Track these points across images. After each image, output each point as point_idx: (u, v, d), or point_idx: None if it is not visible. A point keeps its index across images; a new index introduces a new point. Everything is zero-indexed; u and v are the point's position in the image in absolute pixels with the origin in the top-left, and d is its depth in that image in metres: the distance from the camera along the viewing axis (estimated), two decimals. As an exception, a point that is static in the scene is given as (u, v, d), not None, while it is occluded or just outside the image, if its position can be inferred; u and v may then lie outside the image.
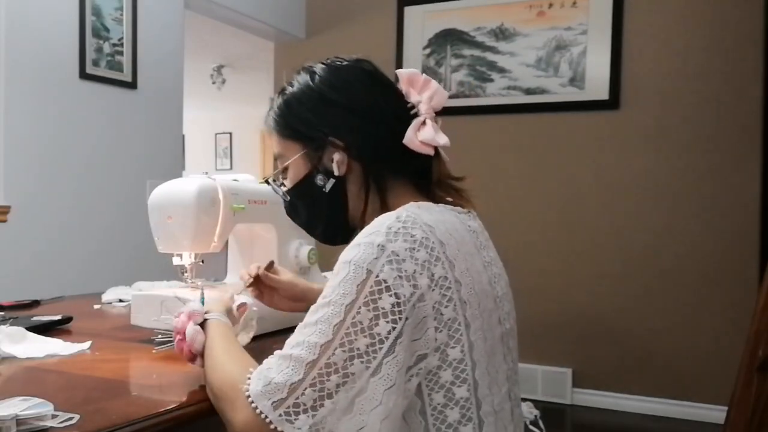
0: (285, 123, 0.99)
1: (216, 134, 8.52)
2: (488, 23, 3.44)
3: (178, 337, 0.95)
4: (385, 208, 0.93)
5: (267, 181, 1.06)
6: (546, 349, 3.32)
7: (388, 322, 0.77)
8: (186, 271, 1.25)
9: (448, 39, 3.52)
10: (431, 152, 0.93)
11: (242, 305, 1.08)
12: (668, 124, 3.14)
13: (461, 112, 3.44)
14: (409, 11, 3.60)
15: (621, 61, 3.20)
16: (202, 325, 0.96)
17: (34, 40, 2.39)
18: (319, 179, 0.95)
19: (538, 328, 3.31)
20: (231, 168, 8.42)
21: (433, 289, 0.80)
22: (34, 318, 1.31)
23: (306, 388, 0.76)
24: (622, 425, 3.09)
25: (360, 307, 0.77)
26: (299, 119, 0.97)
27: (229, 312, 1.03)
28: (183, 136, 3.21)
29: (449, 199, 0.97)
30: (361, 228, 0.90)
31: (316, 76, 0.98)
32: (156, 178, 2.22)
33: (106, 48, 2.64)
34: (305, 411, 0.76)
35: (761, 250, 2.98)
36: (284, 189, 1.02)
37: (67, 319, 1.32)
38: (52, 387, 0.90)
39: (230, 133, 8.46)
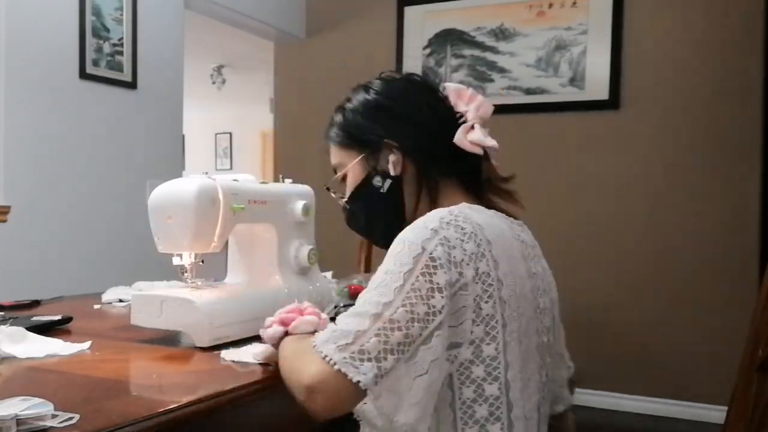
0: (343, 133, 1.04)
1: (216, 134, 8.52)
2: (488, 23, 3.44)
3: (283, 320, 0.96)
4: (435, 206, 0.95)
5: (328, 189, 1.11)
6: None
7: (443, 297, 0.80)
8: (186, 271, 1.25)
9: (448, 39, 3.52)
10: (480, 152, 0.98)
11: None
12: (668, 124, 3.14)
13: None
14: (409, 11, 3.60)
15: (621, 61, 3.20)
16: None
17: (34, 40, 2.39)
18: (377, 180, 1.00)
19: (538, 328, 3.31)
20: (231, 168, 8.42)
21: (476, 282, 0.82)
22: (34, 318, 1.31)
23: (371, 337, 0.77)
24: (622, 425, 3.09)
25: (418, 276, 0.80)
26: (356, 127, 1.03)
27: None
28: (183, 136, 3.21)
29: (501, 206, 1.02)
30: None
31: (371, 90, 1.04)
32: (156, 178, 2.21)
33: (106, 48, 2.64)
34: (370, 360, 0.77)
35: (761, 250, 2.98)
36: (345, 198, 1.07)
37: (67, 319, 1.32)
38: (52, 387, 0.90)
39: (230, 133, 8.46)
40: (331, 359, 0.77)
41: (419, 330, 0.78)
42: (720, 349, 3.01)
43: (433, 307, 0.79)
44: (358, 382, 0.76)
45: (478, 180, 1.01)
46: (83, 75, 2.55)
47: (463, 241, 0.83)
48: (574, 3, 3.27)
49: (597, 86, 3.24)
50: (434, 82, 1.07)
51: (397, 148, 0.98)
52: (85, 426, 0.72)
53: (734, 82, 3.02)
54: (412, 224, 0.87)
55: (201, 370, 1.07)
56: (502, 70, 3.41)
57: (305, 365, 0.80)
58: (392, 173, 0.99)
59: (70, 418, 0.73)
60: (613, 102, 3.21)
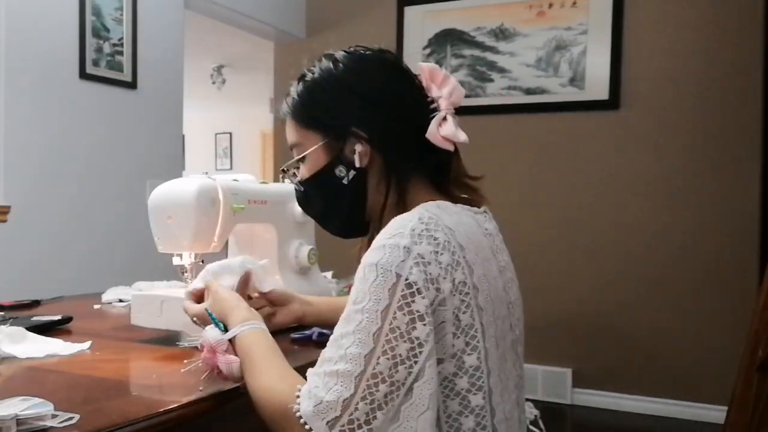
0: (306, 111, 0.96)
1: (216, 134, 8.52)
2: (488, 23, 3.44)
3: (216, 370, 0.91)
4: (402, 202, 0.91)
5: (283, 170, 1.03)
6: (546, 349, 3.32)
7: (425, 324, 0.76)
8: (186, 271, 1.25)
9: (448, 39, 3.52)
10: (451, 148, 0.92)
11: (245, 275, 1.06)
12: (668, 124, 3.14)
13: (461, 112, 3.39)
14: (409, 11, 3.60)
15: (621, 61, 3.20)
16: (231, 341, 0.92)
17: (34, 40, 2.39)
18: (340, 170, 0.93)
19: (538, 328, 3.31)
20: (231, 168, 8.42)
21: (454, 294, 0.80)
22: (34, 318, 1.30)
23: (358, 402, 0.75)
24: (622, 425, 3.08)
25: (395, 312, 0.76)
26: (321, 108, 0.95)
27: (237, 302, 0.98)
28: (183, 136, 3.21)
29: (465, 196, 0.96)
30: (377, 222, 0.89)
31: (340, 64, 0.95)
32: (156, 178, 2.21)
33: (106, 48, 2.64)
34: (360, 427, 0.75)
35: (761, 250, 2.98)
36: (299, 179, 0.99)
37: (67, 319, 1.32)
38: (52, 387, 0.90)
39: (230, 133, 8.46)
40: None
41: (405, 372, 0.76)
42: (720, 349, 3.01)
43: (416, 339, 0.76)
44: None
45: (446, 175, 0.95)
46: (83, 75, 2.55)
47: (437, 253, 0.79)
48: (574, 3, 3.27)
49: (597, 86, 3.24)
50: (406, 64, 0.99)
51: (366, 139, 0.91)
52: (85, 426, 0.72)
53: (734, 82, 3.02)
54: (381, 238, 0.81)
55: (201, 370, 1.07)
56: (502, 70, 3.41)
57: (291, 428, 0.77)
58: (357, 165, 0.91)
59: (70, 418, 0.73)
60: (613, 102, 3.21)
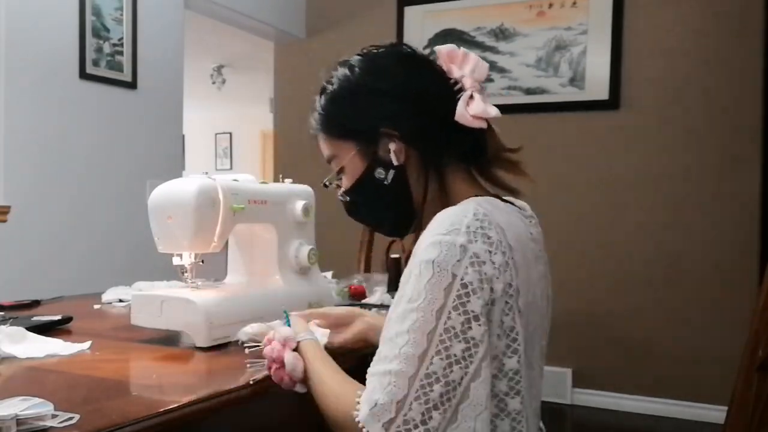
0: (333, 123, 0.97)
1: (216, 134, 8.52)
2: (488, 23, 3.44)
3: (275, 366, 0.92)
4: (443, 191, 0.92)
5: (325, 185, 1.03)
6: (546, 349, 3.32)
7: (480, 324, 0.76)
8: (186, 271, 1.25)
9: (448, 39, 3.52)
10: (484, 125, 0.92)
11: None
12: (668, 125, 3.14)
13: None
14: (409, 11, 3.60)
15: (621, 61, 3.20)
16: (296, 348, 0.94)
17: (34, 40, 2.39)
18: (379, 172, 0.93)
19: (538, 328, 3.31)
20: (231, 168, 8.42)
21: (502, 296, 0.79)
22: (34, 318, 1.30)
23: (412, 403, 0.75)
24: (622, 425, 3.08)
25: (450, 312, 0.76)
26: (347, 116, 0.95)
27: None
28: (183, 136, 3.21)
29: (506, 182, 0.96)
30: (423, 215, 0.89)
31: (356, 69, 0.95)
32: (156, 178, 2.21)
33: (106, 48, 2.64)
34: (416, 427, 0.75)
35: (761, 250, 2.98)
36: (342, 190, 0.99)
37: (67, 319, 1.32)
38: (52, 387, 0.90)
39: (230, 133, 8.47)
40: None
41: (460, 372, 0.75)
42: (720, 349, 3.01)
43: (472, 339, 0.76)
44: None
45: (484, 154, 0.94)
46: (83, 75, 2.55)
47: (491, 253, 0.78)
48: (574, 3, 3.27)
49: (597, 86, 3.24)
50: (422, 52, 0.98)
51: (397, 136, 0.91)
52: (85, 426, 0.72)
53: (734, 82, 3.02)
54: (434, 232, 0.80)
55: (201, 370, 1.07)
56: (502, 70, 3.41)
57: None
58: (395, 163, 0.91)
59: (70, 418, 0.73)
60: (613, 102, 3.21)
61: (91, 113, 2.62)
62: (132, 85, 2.77)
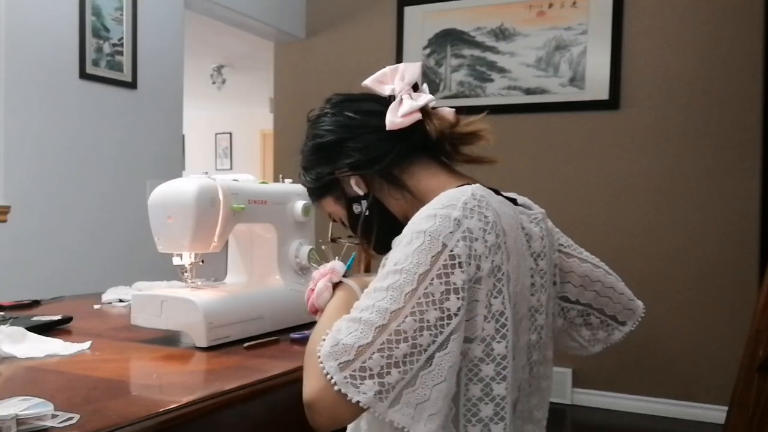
0: (308, 191, 1.06)
1: (216, 134, 8.52)
2: (488, 23, 3.44)
3: (311, 286, 0.97)
4: (417, 195, 0.94)
5: (333, 240, 1.11)
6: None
7: (459, 298, 0.78)
8: (186, 271, 1.25)
9: (448, 39, 3.52)
10: (418, 116, 0.94)
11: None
12: (668, 124, 3.14)
13: (461, 112, 3.41)
14: (409, 11, 3.60)
15: (621, 61, 3.20)
16: (337, 285, 0.97)
17: (34, 40, 2.39)
18: (356, 207, 0.99)
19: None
20: (231, 168, 8.42)
21: (490, 276, 0.80)
22: (34, 318, 1.31)
23: (374, 353, 0.75)
24: (622, 425, 3.09)
25: (433, 279, 0.77)
26: (311, 181, 1.02)
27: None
28: (183, 136, 3.21)
29: (512, 196, 0.99)
30: (406, 221, 0.89)
31: (306, 140, 1.03)
32: (156, 178, 2.21)
33: (106, 48, 2.64)
34: (371, 377, 0.75)
35: (761, 250, 2.98)
36: (348, 236, 1.06)
37: (67, 319, 1.32)
38: (52, 387, 0.90)
39: (230, 133, 8.47)
40: (332, 378, 0.75)
41: (429, 338, 0.76)
42: (720, 349, 3.01)
43: (447, 310, 0.77)
44: (358, 402, 0.75)
45: (437, 141, 0.97)
46: (83, 75, 2.55)
47: (485, 231, 0.80)
48: (574, 3, 3.27)
49: (597, 86, 3.24)
50: (353, 94, 1.03)
51: (348, 172, 0.97)
52: (85, 426, 0.72)
53: (734, 82, 3.02)
54: (432, 206, 0.82)
55: (201, 370, 1.07)
56: (502, 70, 3.41)
57: (309, 374, 0.79)
58: (361, 193, 0.97)
59: (70, 418, 0.73)
60: (613, 102, 3.21)
61: (91, 113, 2.62)
62: (132, 85, 2.77)
